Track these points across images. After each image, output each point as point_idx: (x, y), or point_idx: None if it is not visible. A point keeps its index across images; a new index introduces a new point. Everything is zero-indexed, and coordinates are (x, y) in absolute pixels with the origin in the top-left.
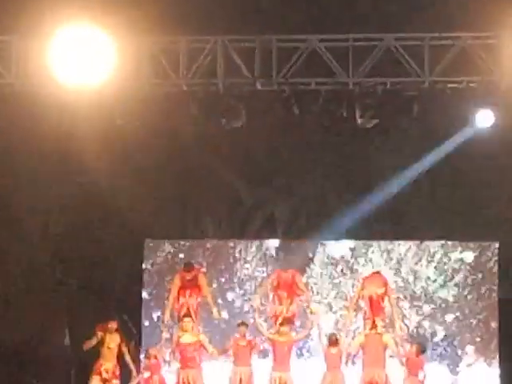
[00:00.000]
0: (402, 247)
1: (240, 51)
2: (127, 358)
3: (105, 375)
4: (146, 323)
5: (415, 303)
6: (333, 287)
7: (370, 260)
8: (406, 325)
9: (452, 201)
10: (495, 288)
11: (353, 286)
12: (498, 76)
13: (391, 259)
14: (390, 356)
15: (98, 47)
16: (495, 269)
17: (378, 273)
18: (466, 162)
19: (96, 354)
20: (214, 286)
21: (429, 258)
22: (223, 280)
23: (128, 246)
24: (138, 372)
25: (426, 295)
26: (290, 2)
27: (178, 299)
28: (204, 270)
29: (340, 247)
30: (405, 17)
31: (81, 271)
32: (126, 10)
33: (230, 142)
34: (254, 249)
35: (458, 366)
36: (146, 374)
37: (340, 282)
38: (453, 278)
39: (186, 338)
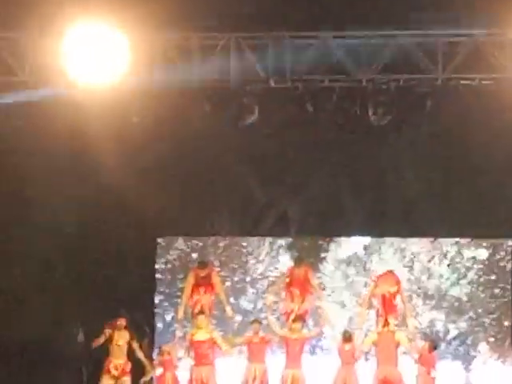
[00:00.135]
0: (415, 245)
1: (253, 48)
2: (139, 354)
3: (114, 372)
4: (159, 321)
5: (428, 301)
6: (346, 285)
7: (383, 258)
8: (418, 322)
9: (466, 198)
10: (508, 287)
11: (365, 284)
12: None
13: (404, 257)
14: (404, 353)
15: (111, 44)
16: (509, 267)
17: (390, 271)
18: (480, 160)
19: (107, 351)
20: (227, 284)
21: (442, 256)
22: (236, 279)
23: (141, 243)
24: (152, 367)
25: (439, 293)
26: None
27: (192, 296)
28: (217, 268)
29: (353, 245)
30: (418, 14)
31: (93, 269)
32: (139, 6)
33: (243, 139)
34: (266, 247)
35: (471, 364)
36: (159, 371)
37: (353, 279)
38: (466, 276)
39: (200, 336)
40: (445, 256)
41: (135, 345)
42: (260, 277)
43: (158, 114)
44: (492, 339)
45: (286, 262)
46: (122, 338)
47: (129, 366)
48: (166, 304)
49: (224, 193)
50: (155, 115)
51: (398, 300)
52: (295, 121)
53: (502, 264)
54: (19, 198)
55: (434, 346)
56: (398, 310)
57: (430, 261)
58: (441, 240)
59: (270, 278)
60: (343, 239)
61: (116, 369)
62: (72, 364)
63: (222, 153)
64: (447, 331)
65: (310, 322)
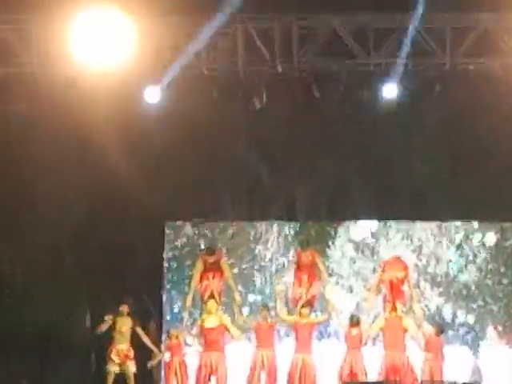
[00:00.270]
0: (422, 230)
1: (260, 33)
2: (144, 339)
3: (115, 358)
4: (167, 308)
5: (436, 286)
6: (353, 269)
7: (391, 243)
8: (426, 308)
9: (474, 182)
10: None
11: (373, 269)
12: None
13: (412, 241)
14: (411, 337)
15: (117, 29)
16: None
17: (398, 257)
18: (488, 144)
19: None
20: (235, 271)
21: (450, 240)
22: (244, 265)
23: (149, 229)
24: (159, 352)
25: (447, 278)
26: None
27: (201, 282)
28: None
29: (361, 230)
30: None
31: (102, 256)
32: None
33: (250, 124)
34: (274, 232)
35: (479, 349)
36: (167, 355)
37: (361, 264)
38: (474, 261)
39: (210, 322)
40: (453, 240)
41: (139, 330)
42: (268, 262)
43: (165, 100)
44: (500, 324)
45: (293, 248)
46: (124, 325)
47: (132, 352)
48: (174, 291)
49: (232, 178)
50: (163, 101)
51: (405, 286)
52: (303, 106)
53: (510, 249)
54: (28, 187)
55: (440, 330)
56: (405, 296)
57: (437, 245)
58: (449, 224)
59: (279, 263)
60: (351, 224)
61: (118, 355)
62: (81, 350)
63: (229, 139)
64: (455, 315)
65: (318, 307)
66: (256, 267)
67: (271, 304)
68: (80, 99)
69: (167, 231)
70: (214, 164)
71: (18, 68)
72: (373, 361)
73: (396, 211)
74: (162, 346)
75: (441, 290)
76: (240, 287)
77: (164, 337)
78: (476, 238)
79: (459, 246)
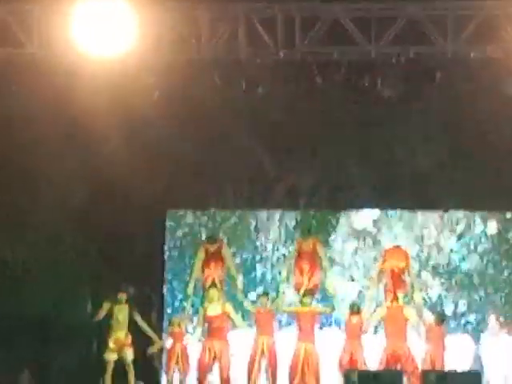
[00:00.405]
0: (424, 219)
1: (262, 20)
2: (143, 326)
3: (112, 346)
4: (168, 297)
5: (437, 275)
6: (355, 259)
7: (393, 232)
8: (427, 297)
9: (475, 170)
10: None
11: (375, 258)
12: None
13: (413, 231)
14: (412, 326)
15: (119, 16)
16: None
17: (399, 246)
18: (490, 132)
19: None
20: (237, 260)
21: (451, 230)
22: (245, 254)
23: (150, 217)
24: (160, 339)
25: (448, 267)
26: None
27: (203, 271)
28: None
29: (363, 219)
30: None
31: (103, 242)
32: None
33: (252, 111)
34: (275, 220)
35: (480, 338)
36: (169, 343)
37: (362, 253)
38: (476, 250)
39: (213, 310)
40: (454, 229)
41: (137, 317)
42: (269, 251)
43: (167, 87)
44: (501, 313)
45: (295, 235)
46: (121, 313)
47: (129, 339)
48: (176, 280)
49: (233, 166)
50: (164, 88)
51: (406, 275)
52: (305, 93)
53: None
54: (28, 172)
55: (441, 320)
56: (406, 286)
57: (439, 234)
58: (450, 213)
59: (280, 252)
60: (353, 213)
61: (115, 343)
62: (82, 336)
63: (231, 126)
64: (457, 304)
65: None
66: (257, 257)
67: (272, 293)
68: (81, 86)
69: (168, 220)
70: (215, 153)
71: (20, 53)
72: (374, 350)
73: (398, 200)
74: (164, 335)
75: (442, 279)
76: (241, 277)
77: (165, 324)
78: (478, 227)
79: (461, 236)
